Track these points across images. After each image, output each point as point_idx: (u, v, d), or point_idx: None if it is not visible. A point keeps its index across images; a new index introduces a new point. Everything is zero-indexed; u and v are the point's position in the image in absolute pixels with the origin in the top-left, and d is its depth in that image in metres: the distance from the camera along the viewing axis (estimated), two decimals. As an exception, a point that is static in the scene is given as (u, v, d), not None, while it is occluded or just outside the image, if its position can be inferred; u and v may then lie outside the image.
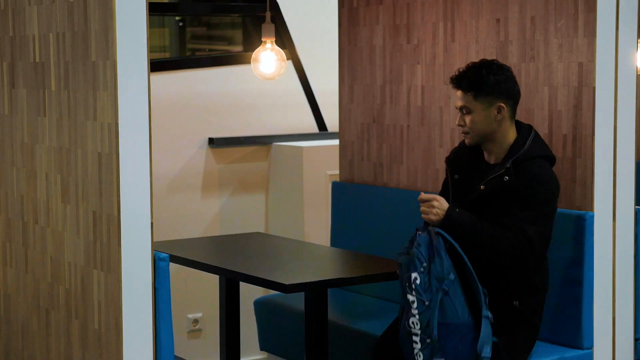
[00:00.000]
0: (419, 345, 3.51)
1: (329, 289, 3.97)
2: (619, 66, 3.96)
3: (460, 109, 3.73)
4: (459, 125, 3.74)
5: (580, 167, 3.98)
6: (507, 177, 3.65)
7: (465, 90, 3.70)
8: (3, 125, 3.78)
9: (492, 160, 3.79)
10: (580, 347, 3.98)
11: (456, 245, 3.54)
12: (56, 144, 3.44)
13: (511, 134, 3.75)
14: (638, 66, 4.32)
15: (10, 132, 3.74)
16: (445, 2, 4.46)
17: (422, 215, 3.64)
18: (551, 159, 3.78)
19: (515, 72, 4.17)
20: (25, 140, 3.64)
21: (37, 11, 3.48)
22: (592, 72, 3.92)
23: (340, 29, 5.01)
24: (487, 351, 3.50)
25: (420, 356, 3.51)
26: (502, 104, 3.70)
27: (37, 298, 3.61)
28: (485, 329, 3.51)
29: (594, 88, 3.92)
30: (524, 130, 3.77)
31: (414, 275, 3.51)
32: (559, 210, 4.00)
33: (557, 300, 3.99)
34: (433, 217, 3.62)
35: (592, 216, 3.94)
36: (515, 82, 3.76)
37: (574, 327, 3.97)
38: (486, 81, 3.68)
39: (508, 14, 4.20)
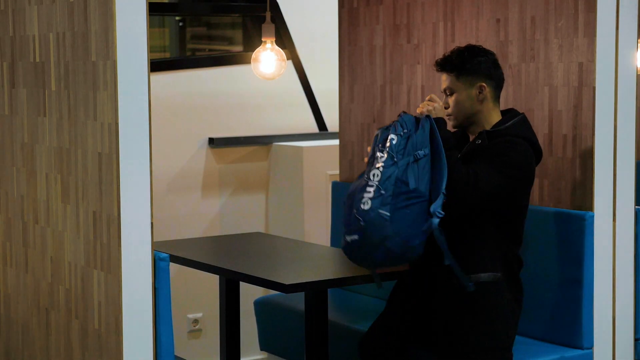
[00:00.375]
0: (370, 194, 3.50)
1: (329, 289, 3.97)
2: (619, 66, 3.96)
3: (444, 90, 3.80)
4: (444, 107, 3.78)
5: (580, 167, 3.98)
6: (480, 141, 3.70)
7: (448, 71, 3.78)
8: (3, 125, 3.78)
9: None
10: (580, 347, 3.98)
11: (438, 136, 3.58)
12: (56, 144, 3.44)
13: (494, 116, 3.78)
14: (638, 66, 4.32)
15: (10, 132, 3.74)
16: (445, 2, 4.46)
17: (420, 106, 3.69)
18: (533, 144, 3.74)
19: (515, 72, 4.18)
20: (25, 140, 3.64)
21: (37, 11, 3.48)
22: (592, 72, 3.92)
23: (340, 29, 5.01)
24: (435, 222, 3.48)
25: (368, 203, 3.49)
26: (484, 84, 3.75)
27: (37, 298, 3.61)
28: (438, 202, 3.51)
29: (594, 88, 3.92)
30: (512, 113, 3.81)
31: (391, 135, 3.56)
32: (559, 210, 4.01)
33: (557, 300, 4.00)
34: (428, 108, 3.66)
35: (592, 216, 3.94)
36: (498, 65, 3.81)
37: (574, 327, 3.97)
38: (467, 61, 3.76)
39: (508, 14, 4.20)
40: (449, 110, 3.78)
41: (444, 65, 3.80)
